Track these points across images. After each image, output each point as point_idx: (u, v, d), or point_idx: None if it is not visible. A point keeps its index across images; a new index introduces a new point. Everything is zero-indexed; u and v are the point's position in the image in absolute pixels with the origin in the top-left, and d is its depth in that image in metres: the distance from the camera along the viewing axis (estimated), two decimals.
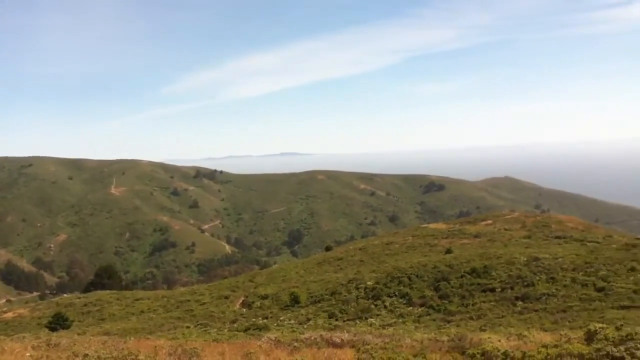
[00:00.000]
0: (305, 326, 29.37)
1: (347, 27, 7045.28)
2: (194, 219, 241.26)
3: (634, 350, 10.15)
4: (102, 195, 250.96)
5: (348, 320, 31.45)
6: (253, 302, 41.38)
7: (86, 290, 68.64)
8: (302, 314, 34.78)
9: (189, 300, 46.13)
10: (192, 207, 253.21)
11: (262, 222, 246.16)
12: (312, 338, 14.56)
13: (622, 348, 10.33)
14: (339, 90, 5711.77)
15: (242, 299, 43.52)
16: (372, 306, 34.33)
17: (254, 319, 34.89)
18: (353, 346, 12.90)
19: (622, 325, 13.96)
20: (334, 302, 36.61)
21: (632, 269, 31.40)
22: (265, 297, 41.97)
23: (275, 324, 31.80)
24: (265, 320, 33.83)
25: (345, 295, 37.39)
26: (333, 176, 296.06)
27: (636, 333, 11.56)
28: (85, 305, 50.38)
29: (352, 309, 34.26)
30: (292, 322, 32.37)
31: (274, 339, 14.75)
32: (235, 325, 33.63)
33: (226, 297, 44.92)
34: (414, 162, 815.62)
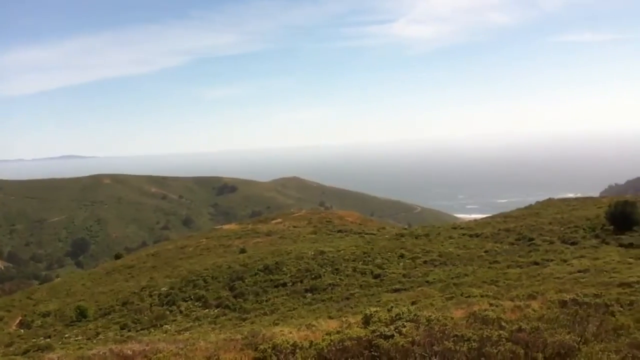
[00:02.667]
0: (94, 341, 27.73)
1: (131, 25, 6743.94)
2: None
3: (401, 328, 11.64)
4: None
5: (142, 329, 30.46)
6: (33, 321, 37.74)
7: None
8: (90, 329, 32.74)
9: None
10: None
11: (40, 232, 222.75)
12: (101, 353, 13.87)
13: (392, 327, 11.75)
14: (123, 90, 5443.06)
15: (20, 318, 39.42)
16: (167, 312, 33.72)
17: (34, 340, 31.80)
18: (145, 356, 12.62)
19: (392, 307, 15.84)
20: (125, 313, 35.13)
21: (402, 256, 35.55)
22: (47, 315, 38.59)
23: (60, 343, 29.40)
24: (48, 340, 31.07)
25: (137, 304, 36.09)
26: (121, 180, 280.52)
27: (403, 313, 13.28)
28: None
29: (146, 317, 33.24)
30: (79, 338, 30.30)
31: (56, 358, 13.74)
32: (11, 349, 30.29)
33: None
34: (207, 164, 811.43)
